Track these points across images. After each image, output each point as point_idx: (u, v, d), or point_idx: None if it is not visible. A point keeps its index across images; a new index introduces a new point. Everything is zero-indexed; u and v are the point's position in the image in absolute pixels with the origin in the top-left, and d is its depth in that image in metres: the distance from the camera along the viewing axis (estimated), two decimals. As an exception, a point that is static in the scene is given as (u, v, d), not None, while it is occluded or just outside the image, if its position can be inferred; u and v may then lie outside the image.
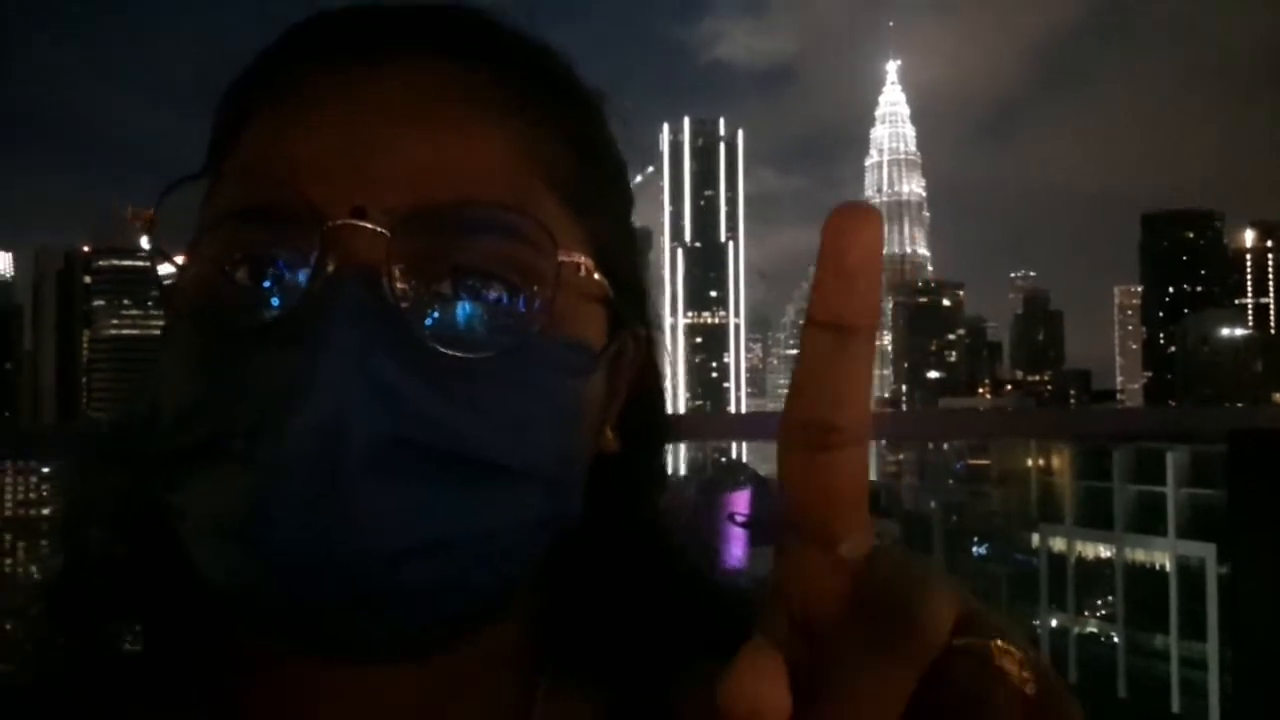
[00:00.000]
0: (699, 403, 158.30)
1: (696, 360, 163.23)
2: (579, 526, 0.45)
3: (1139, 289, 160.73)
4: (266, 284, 0.40)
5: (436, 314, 0.40)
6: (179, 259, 0.43)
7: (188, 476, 0.40)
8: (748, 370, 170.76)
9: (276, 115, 0.43)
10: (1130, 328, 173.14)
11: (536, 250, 0.41)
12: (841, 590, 0.28)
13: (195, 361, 0.41)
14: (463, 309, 0.40)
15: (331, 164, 0.40)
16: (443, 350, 0.39)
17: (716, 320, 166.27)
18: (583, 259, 0.43)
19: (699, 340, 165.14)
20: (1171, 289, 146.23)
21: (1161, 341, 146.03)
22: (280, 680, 0.43)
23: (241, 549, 0.38)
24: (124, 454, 0.47)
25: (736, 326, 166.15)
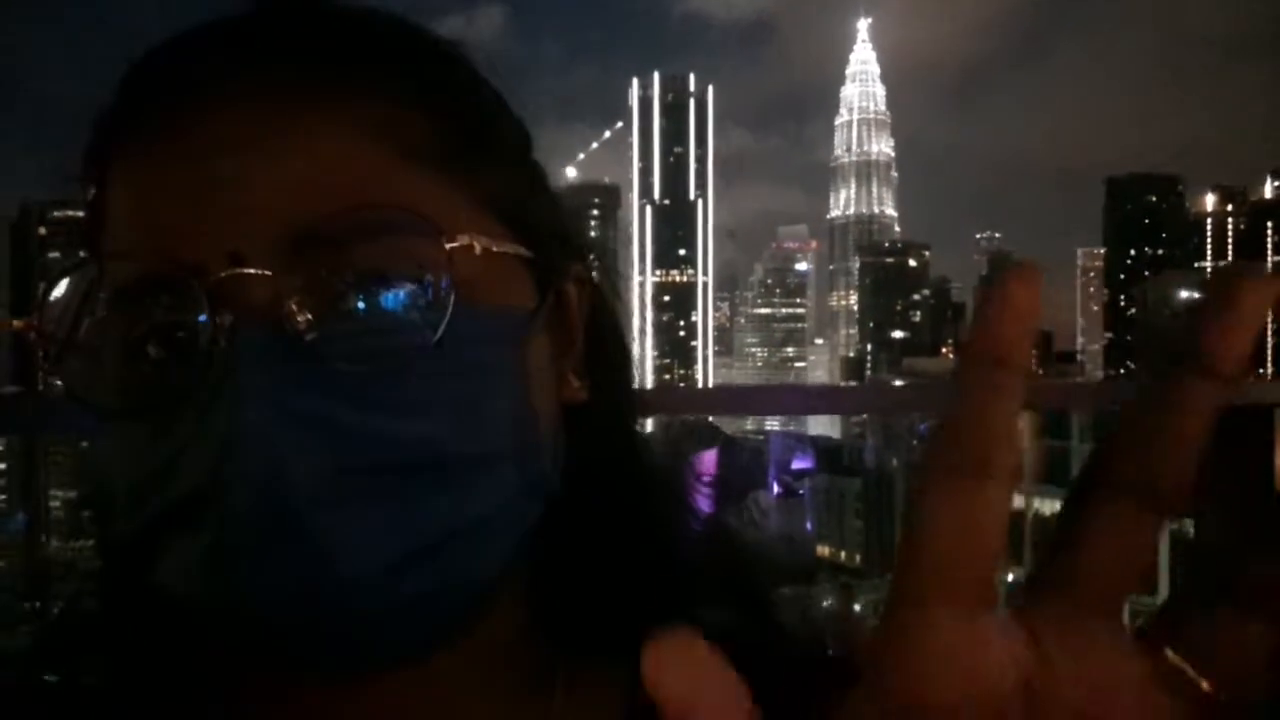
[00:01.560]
0: (666, 360, 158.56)
1: (664, 319, 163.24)
2: (566, 482, 0.44)
3: (1102, 252, 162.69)
4: (171, 353, 0.40)
5: (341, 334, 0.39)
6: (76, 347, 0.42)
7: (150, 555, 0.40)
8: (715, 329, 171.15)
9: (128, 176, 0.42)
10: (1092, 290, 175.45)
11: (422, 238, 0.40)
12: (988, 666, 0.25)
13: (125, 447, 0.41)
14: (367, 320, 0.40)
15: (193, 215, 0.39)
16: (358, 366, 0.39)
17: (685, 279, 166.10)
18: (472, 235, 0.41)
19: (667, 299, 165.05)
20: (1133, 252, 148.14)
21: (1122, 304, 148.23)
22: (295, 699, 0.42)
23: (223, 615, 0.38)
24: (93, 534, 0.48)
25: (705, 285, 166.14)
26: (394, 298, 0.40)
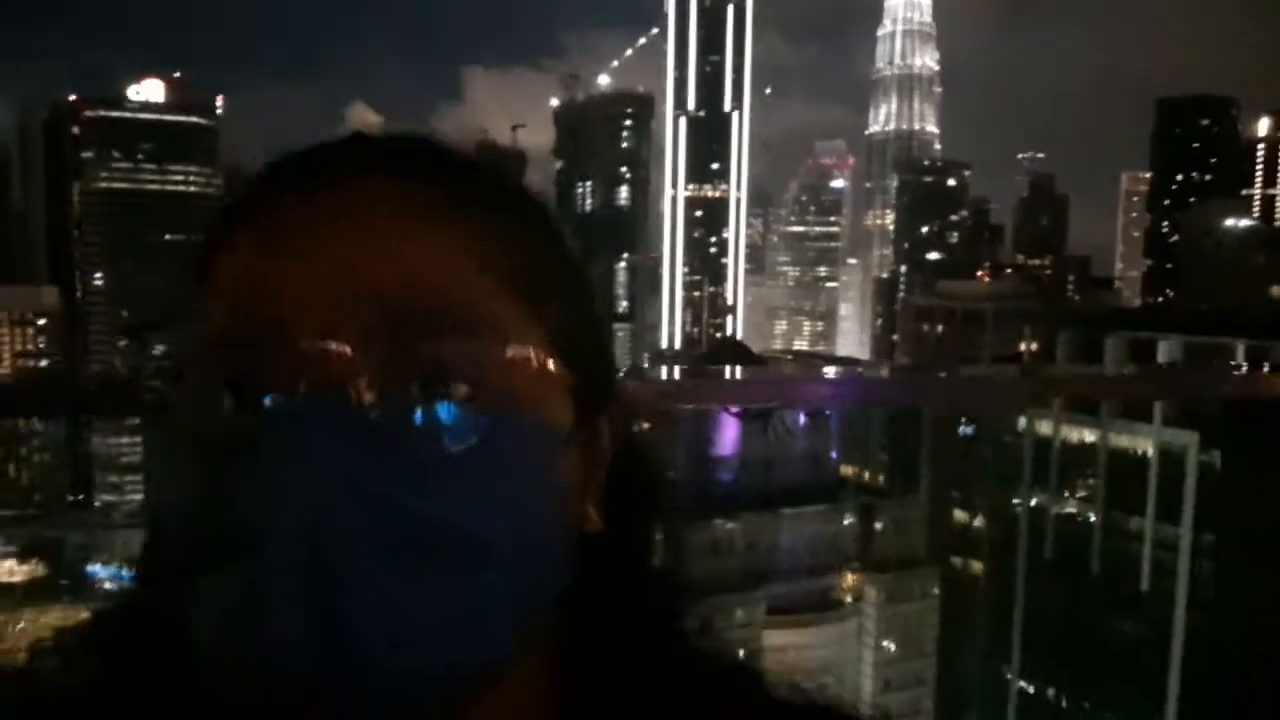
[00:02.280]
0: (696, 278, 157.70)
1: (695, 235, 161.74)
2: (570, 600, 0.48)
3: (1147, 176, 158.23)
4: (247, 407, 0.43)
5: (401, 417, 0.43)
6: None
7: (187, 588, 0.43)
8: (747, 246, 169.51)
9: (249, 248, 0.47)
10: (1135, 215, 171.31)
11: (494, 347, 0.45)
12: None
13: (185, 486, 0.45)
14: (424, 409, 0.43)
15: (295, 291, 0.44)
16: (409, 450, 0.43)
17: (718, 194, 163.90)
18: (535, 351, 0.46)
19: (699, 214, 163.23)
20: (1180, 177, 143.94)
21: (1164, 230, 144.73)
22: None
23: (243, 661, 0.41)
24: (142, 565, 0.53)
25: (738, 201, 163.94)
26: (452, 395, 0.44)
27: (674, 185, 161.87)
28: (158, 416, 0.47)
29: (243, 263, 0.47)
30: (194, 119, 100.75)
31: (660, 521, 0.57)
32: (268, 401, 0.43)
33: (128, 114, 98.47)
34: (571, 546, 0.49)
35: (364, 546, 0.41)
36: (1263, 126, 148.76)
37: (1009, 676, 34.27)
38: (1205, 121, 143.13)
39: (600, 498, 0.52)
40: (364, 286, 0.44)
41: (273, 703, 0.42)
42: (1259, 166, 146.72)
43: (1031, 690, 33.97)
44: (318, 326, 0.43)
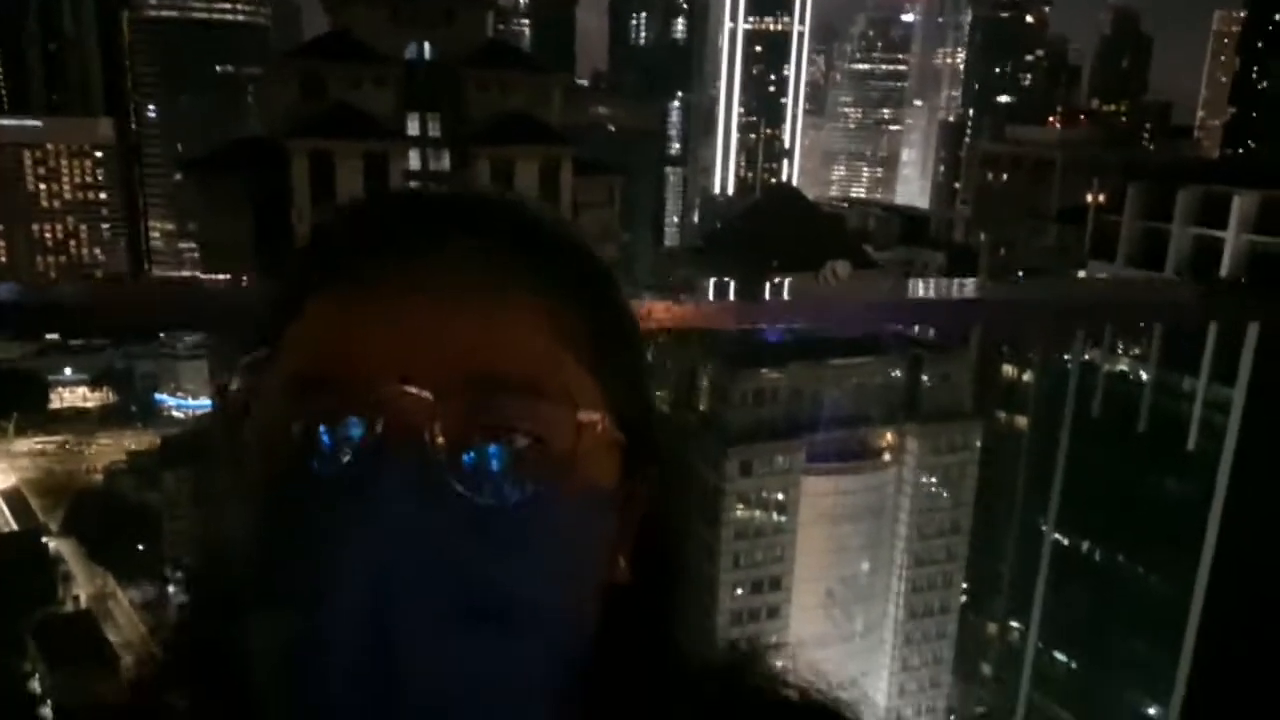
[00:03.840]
0: (753, 118, 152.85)
1: (754, 71, 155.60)
2: (596, 656, 0.50)
3: (1241, 15, 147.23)
4: (325, 444, 0.45)
5: (472, 466, 0.45)
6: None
7: (248, 624, 0.44)
8: (808, 85, 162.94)
9: (335, 296, 0.48)
10: (1223, 59, 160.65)
11: (561, 409, 0.47)
12: None
13: (258, 516, 0.46)
14: (495, 461, 0.45)
15: (382, 341, 0.46)
16: (477, 499, 0.44)
17: (779, 27, 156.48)
18: (599, 416, 0.49)
19: (758, 50, 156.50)
20: (1278, 18, 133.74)
21: (1254, 77, 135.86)
22: None
23: (298, 696, 0.42)
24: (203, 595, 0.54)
25: (800, 35, 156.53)
26: (520, 450, 0.46)
27: (733, 17, 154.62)
28: (237, 451, 0.48)
29: (328, 311, 0.48)
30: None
31: (683, 576, 0.58)
32: (344, 441, 0.44)
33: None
34: (604, 601, 0.51)
35: (424, 602, 0.41)
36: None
37: (1044, 528, 34.80)
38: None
39: (629, 553, 0.54)
40: (447, 346, 0.46)
41: None
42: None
43: (1066, 543, 34.53)
44: (397, 377, 0.44)
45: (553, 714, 0.47)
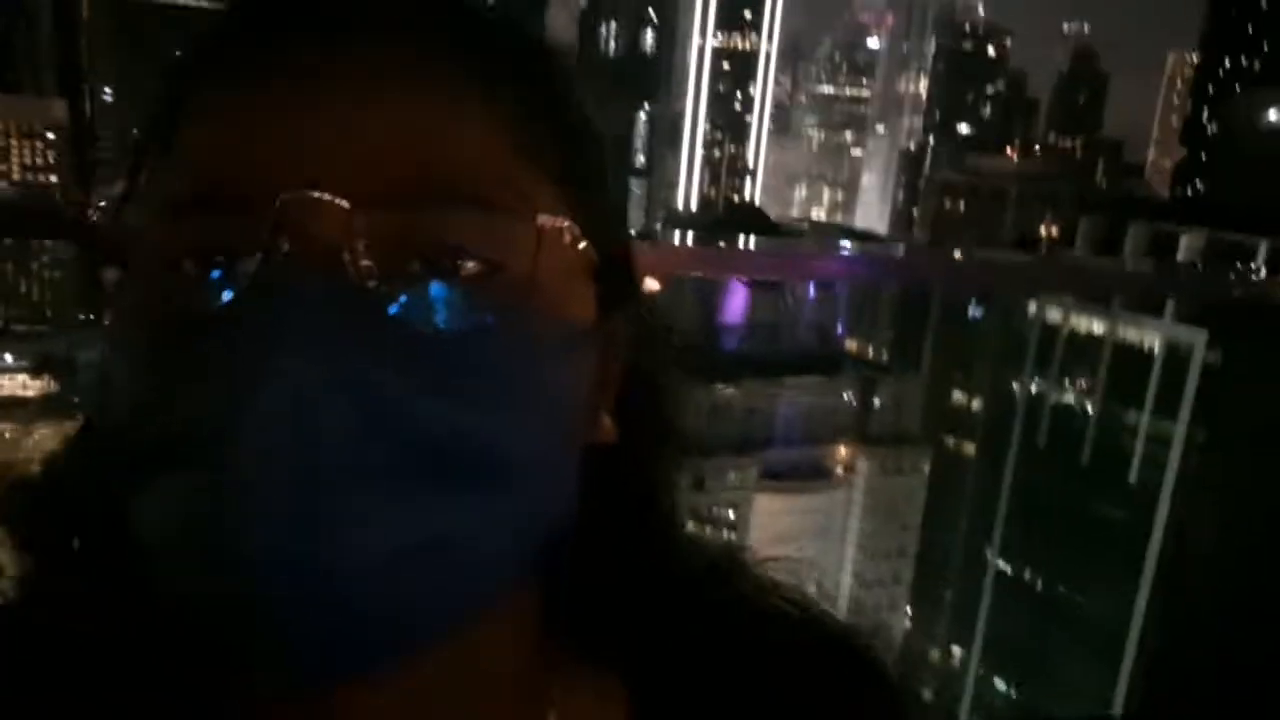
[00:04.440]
0: (718, 136, 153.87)
1: (720, 89, 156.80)
2: (577, 518, 0.43)
3: (1194, 58, 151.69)
4: (217, 273, 0.37)
5: (405, 293, 0.37)
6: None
7: (144, 484, 0.37)
8: (773, 105, 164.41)
9: (224, 97, 0.40)
10: (1177, 101, 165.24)
11: (513, 218, 0.39)
12: None
13: (145, 363, 0.38)
14: (435, 286, 0.38)
15: (284, 145, 0.38)
16: (414, 330, 0.37)
17: (747, 45, 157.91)
18: (566, 223, 0.41)
19: (725, 67, 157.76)
20: (1229, 61, 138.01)
21: (1204, 119, 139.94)
22: (265, 709, 0.40)
23: (207, 561, 0.35)
24: (89, 455, 0.45)
25: (767, 55, 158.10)
26: (467, 272, 0.38)
27: (702, 33, 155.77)
28: (118, 289, 0.41)
29: (217, 114, 0.40)
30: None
31: (673, 440, 0.50)
32: (241, 266, 0.37)
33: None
34: (581, 458, 0.43)
35: (349, 442, 0.34)
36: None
37: (988, 555, 35.30)
38: (1264, 2, 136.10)
39: (613, 408, 0.46)
40: (365, 150, 0.37)
41: (225, 643, 0.36)
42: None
43: (1009, 571, 35.05)
44: (304, 181, 0.36)
45: (516, 583, 0.41)
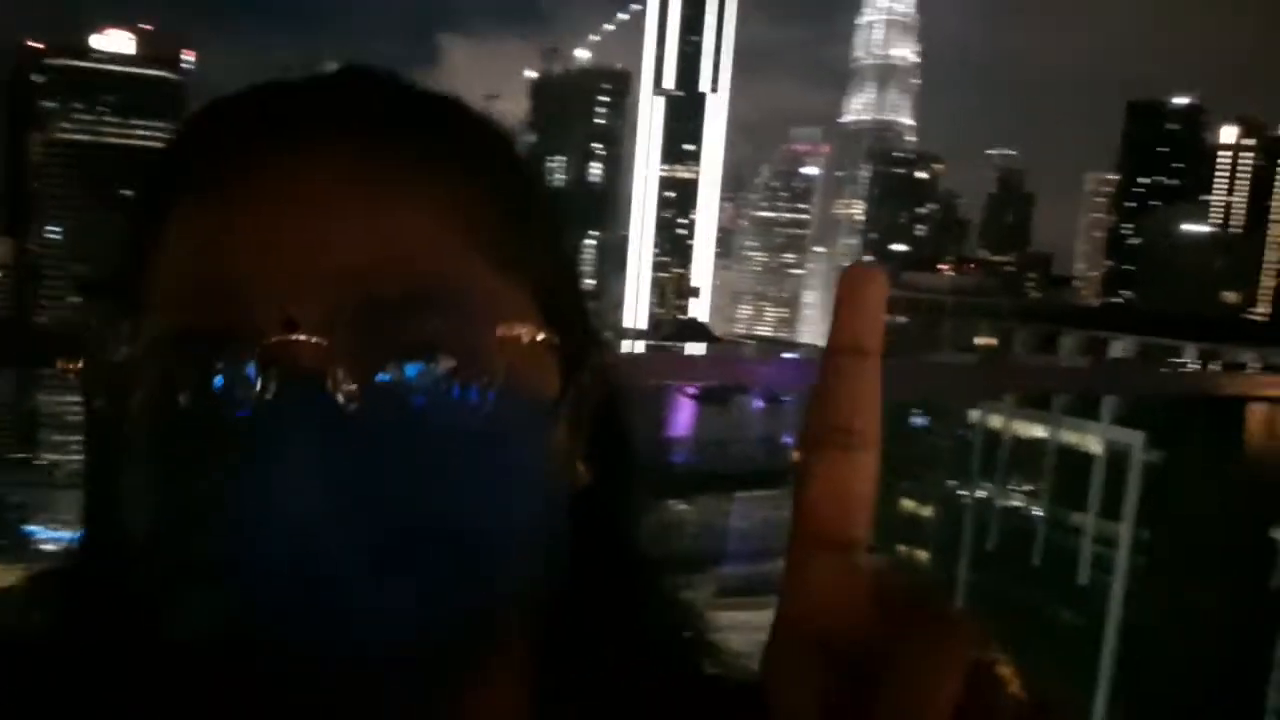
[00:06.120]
0: (665, 258, 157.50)
1: (665, 216, 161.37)
2: (566, 562, 0.46)
3: (1110, 177, 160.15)
4: (209, 408, 0.40)
5: (384, 404, 0.40)
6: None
7: (162, 603, 0.40)
8: (716, 230, 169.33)
9: (193, 224, 0.42)
10: (1098, 216, 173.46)
11: (478, 324, 0.41)
12: (857, 596, 0.31)
13: (149, 495, 0.40)
14: (411, 397, 0.40)
15: (258, 273, 0.40)
16: (396, 439, 0.39)
17: (689, 175, 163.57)
18: (523, 327, 0.42)
19: (670, 195, 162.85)
20: (1145, 180, 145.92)
21: (1125, 232, 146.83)
22: None
23: (236, 652, 0.38)
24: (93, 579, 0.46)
25: (709, 183, 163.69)
26: (439, 379, 0.40)
27: (647, 164, 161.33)
28: (111, 420, 0.42)
29: (188, 243, 0.42)
30: (160, 72, 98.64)
31: (642, 473, 0.53)
32: (232, 400, 0.39)
33: (93, 64, 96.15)
34: (564, 509, 0.46)
35: (349, 548, 0.38)
36: (1227, 134, 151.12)
37: (946, 663, 34.70)
38: (1173, 126, 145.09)
39: (586, 450, 0.49)
40: (334, 265, 0.40)
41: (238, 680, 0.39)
42: (1221, 173, 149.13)
43: (967, 677, 34.45)
44: (283, 313, 0.39)
45: (516, 631, 0.45)
